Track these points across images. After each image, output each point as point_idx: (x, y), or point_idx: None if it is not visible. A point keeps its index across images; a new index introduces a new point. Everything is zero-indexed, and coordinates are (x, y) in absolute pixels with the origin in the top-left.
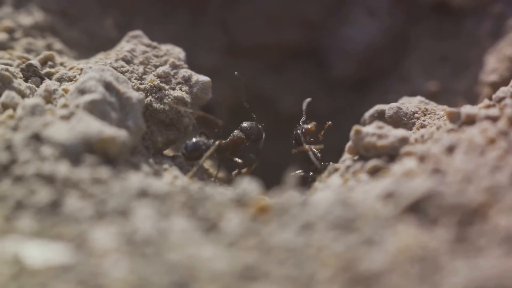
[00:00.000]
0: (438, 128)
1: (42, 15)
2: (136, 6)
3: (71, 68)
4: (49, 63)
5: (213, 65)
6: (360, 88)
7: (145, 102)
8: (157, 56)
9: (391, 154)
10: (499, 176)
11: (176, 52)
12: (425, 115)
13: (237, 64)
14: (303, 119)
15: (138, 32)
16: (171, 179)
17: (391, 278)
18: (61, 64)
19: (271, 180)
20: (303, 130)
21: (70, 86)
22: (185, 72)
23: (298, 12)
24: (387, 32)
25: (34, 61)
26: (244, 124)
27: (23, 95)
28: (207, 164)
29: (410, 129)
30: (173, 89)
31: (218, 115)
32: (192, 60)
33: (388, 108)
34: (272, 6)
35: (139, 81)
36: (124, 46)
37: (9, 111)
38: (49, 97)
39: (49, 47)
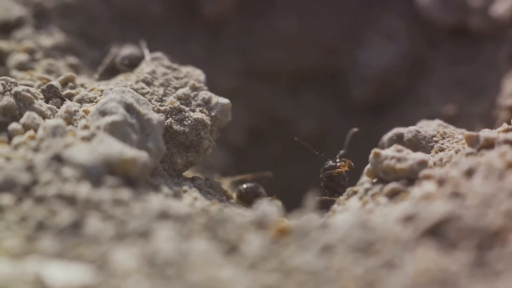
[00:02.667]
0: (456, 152)
1: (63, 36)
2: (155, 28)
3: (91, 90)
4: (70, 84)
5: (232, 87)
6: (377, 111)
7: (165, 124)
8: (177, 78)
9: (410, 177)
10: None
11: (196, 74)
12: (443, 138)
13: (255, 86)
14: (342, 152)
15: (158, 54)
16: (191, 200)
17: None
18: (82, 85)
19: (289, 202)
20: (333, 166)
21: (91, 108)
22: (205, 94)
23: (315, 36)
24: (404, 56)
25: (55, 82)
26: (244, 186)
27: (44, 116)
28: (226, 185)
29: (429, 152)
30: (193, 111)
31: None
32: (211, 82)
33: (407, 131)
34: (289, 29)
35: (159, 103)
36: (145, 68)
37: (30, 132)
38: (70, 118)
39: (69, 68)
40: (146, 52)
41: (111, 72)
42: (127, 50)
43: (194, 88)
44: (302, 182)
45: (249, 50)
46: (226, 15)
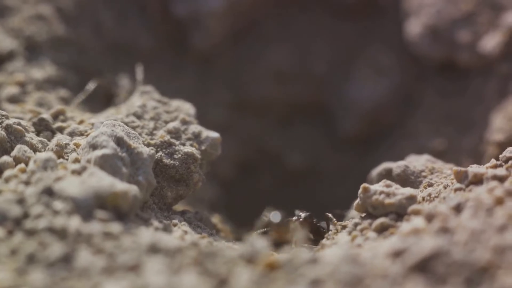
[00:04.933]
0: (445, 187)
1: (54, 69)
2: (146, 60)
3: (81, 122)
4: (61, 117)
5: (222, 120)
6: (366, 145)
7: (156, 157)
8: (167, 112)
9: (399, 212)
10: (507, 235)
11: (186, 108)
12: (432, 173)
13: (244, 120)
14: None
15: (149, 88)
16: (181, 234)
17: None
18: (72, 118)
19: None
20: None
21: (82, 141)
22: (195, 128)
23: (306, 69)
24: (393, 90)
25: (46, 115)
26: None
27: (35, 149)
28: (216, 219)
29: (417, 187)
30: (183, 144)
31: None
32: (201, 115)
33: (396, 166)
34: (280, 63)
35: (150, 137)
36: (135, 101)
37: (21, 165)
38: (60, 152)
39: (60, 101)
40: (140, 76)
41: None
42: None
43: (184, 122)
44: (291, 215)
45: (240, 83)
46: (217, 49)
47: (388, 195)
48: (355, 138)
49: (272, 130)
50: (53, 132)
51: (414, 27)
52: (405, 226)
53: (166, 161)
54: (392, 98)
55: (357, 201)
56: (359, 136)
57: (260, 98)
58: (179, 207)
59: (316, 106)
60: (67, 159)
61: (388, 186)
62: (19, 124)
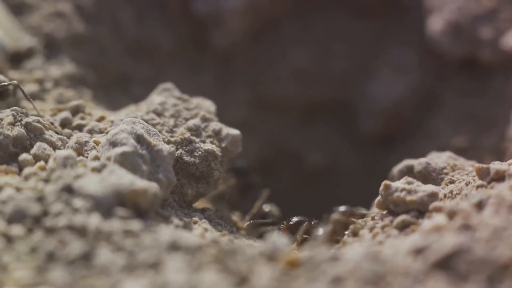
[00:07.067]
0: (467, 184)
1: (73, 67)
2: (167, 59)
3: (101, 118)
4: (80, 114)
5: (242, 119)
6: (387, 144)
7: (176, 155)
8: (187, 109)
9: (420, 209)
10: None
11: (207, 105)
12: (453, 170)
13: (264, 118)
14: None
15: (169, 85)
16: (201, 231)
17: None
18: (91, 114)
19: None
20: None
21: (101, 138)
22: (215, 125)
23: (326, 68)
24: (414, 89)
25: (65, 112)
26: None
27: (54, 147)
28: (236, 216)
29: (439, 184)
30: (204, 142)
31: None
32: (221, 114)
33: (417, 163)
34: (300, 61)
35: (170, 134)
36: (155, 99)
37: (41, 163)
38: (80, 149)
39: (80, 99)
40: None
41: None
42: None
43: (204, 119)
44: (310, 214)
45: (260, 81)
46: (237, 47)
47: (409, 192)
48: (376, 136)
49: (292, 129)
50: (72, 130)
51: (436, 24)
52: (426, 223)
53: (186, 158)
54: (413, 97)
55: (378, 198)
56: (379, 134)
57: (280, 97)
58: (199, 205)
59: (336, 105)
60: (87, 157)
61: (409, 183)
62: (38, 121)
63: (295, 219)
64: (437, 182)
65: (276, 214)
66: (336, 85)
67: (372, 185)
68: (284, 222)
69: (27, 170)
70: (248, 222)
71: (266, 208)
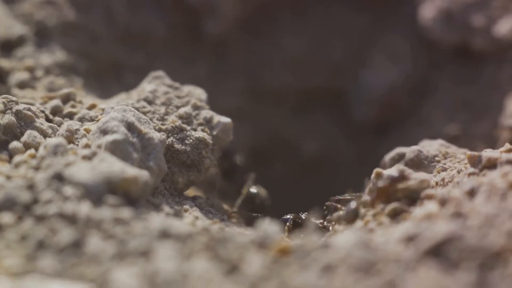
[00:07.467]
0: (459, 172)
1: (64, 55)
2: (160, 48)
3: (92, 106)
4: (71, 102)
5: (235, 107)
6: (380, 132)
7: (167, 142)
8: (179, 97)
9: (412, 197)
10: None
11: (198, 93)
12: (445, 158)
13: (259, 107)
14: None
15: (160, 73)
16: (192, 219)
17: None
18: (82, 103)
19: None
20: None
21: (92, 126)
22: (206, 113)
23: (320, 56)
24: (408, 77)
25: (56, 100)
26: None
27: (45, 135)
28: (227, 205)
29: (431, 172)
30: (195, 130)
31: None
32: (215, 102)
33: (409, 151)
34: (294, 49)
35: (161, 122)
36: (146, 87)
37: (31, 151)
38: (71, 137)
39: (71, 87)
40: None
41: None
42: None
43: (195, 107)
44: (305, 203)
45: (253, 70)
46: (230, 35)
47: (401, 179)
48: (370, 125)
49: (286, 117)
50: (63, 118)
51: (428, 12)
52: (418, 211)
53: (177, 146)
54: (407, 85)
55: (370, 186)
56: (373, 122)
57: (275, 85)
58: (190, 193)
59: (330, 93)
60: (77, 145)
61: (401, 171)
62: (29, 109)
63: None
64: (428, 170)
65: (264, 195)
66: (330, 73)
67: (367, 173)
68: None
69: (17, 158)
70: (234, 211)
71: (253, 189)
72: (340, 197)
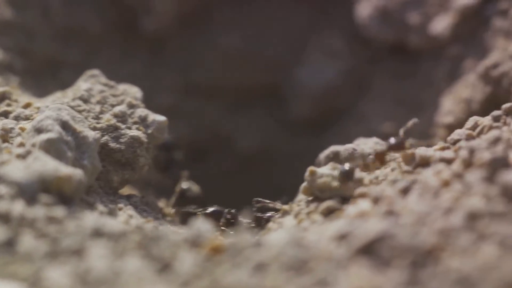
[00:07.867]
0: (392, 170)
1: (0, 53)
2: (95, 44)
3: (27, 105)
4: (6, 101)
5: (172, 104)
6: (318, 129)
7: (101, 141)
8: (114, 96)
9: (346, 195)
10: (453, 218)
11: (133, 92)
12: None
13: (196, 103)
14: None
15: (95, 72)
16: (126, 218)
17: None
18: (17, 101)
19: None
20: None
21: (27, 125)
22: (141, 111)
23: (256, 53)
24: (345, 73)
25: None
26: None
27: None
28: (162, 203)
29: None
30: (130, 128)
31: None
32: (150, 100)
33: (343, 149)
34: (230, 46)
35: (96, 120)
36: (82, 85)
37: None
38: (5, 136)
39: (6, 86)
40: None
41: None
42: None
43: (130, 106)
44: (241, 199)
45: (190, 66)
46: (166, 32)
47: (335, 178)
48: (307, 121)
49: (223, 114)
50: None
51: (365, 9)
52: (351, 209)
53: (112, 145)
54: (344, 82)
55: (304, 184)
56: (311, 119)
57: (211, 82)
58: (125, 191)
59: (267, 89)
60: (12, 144)
61: (335, 169)
62: None
63: (210, 209)
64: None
65: (196, 191)
66: (267, 69)
67: (302, 170)
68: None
69: None
70: (173, 210)
71: (185, 185)
72: (262, 201)
